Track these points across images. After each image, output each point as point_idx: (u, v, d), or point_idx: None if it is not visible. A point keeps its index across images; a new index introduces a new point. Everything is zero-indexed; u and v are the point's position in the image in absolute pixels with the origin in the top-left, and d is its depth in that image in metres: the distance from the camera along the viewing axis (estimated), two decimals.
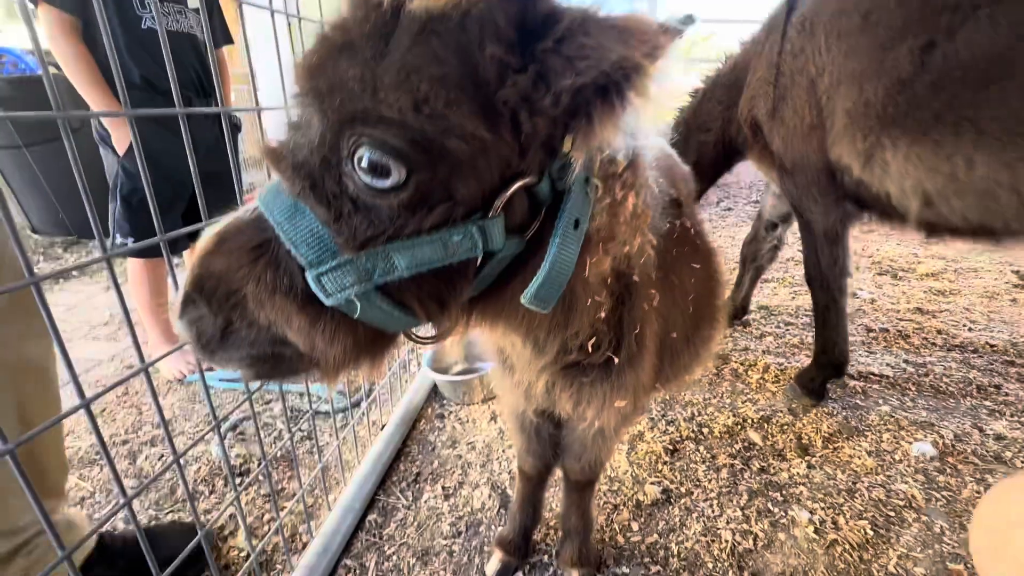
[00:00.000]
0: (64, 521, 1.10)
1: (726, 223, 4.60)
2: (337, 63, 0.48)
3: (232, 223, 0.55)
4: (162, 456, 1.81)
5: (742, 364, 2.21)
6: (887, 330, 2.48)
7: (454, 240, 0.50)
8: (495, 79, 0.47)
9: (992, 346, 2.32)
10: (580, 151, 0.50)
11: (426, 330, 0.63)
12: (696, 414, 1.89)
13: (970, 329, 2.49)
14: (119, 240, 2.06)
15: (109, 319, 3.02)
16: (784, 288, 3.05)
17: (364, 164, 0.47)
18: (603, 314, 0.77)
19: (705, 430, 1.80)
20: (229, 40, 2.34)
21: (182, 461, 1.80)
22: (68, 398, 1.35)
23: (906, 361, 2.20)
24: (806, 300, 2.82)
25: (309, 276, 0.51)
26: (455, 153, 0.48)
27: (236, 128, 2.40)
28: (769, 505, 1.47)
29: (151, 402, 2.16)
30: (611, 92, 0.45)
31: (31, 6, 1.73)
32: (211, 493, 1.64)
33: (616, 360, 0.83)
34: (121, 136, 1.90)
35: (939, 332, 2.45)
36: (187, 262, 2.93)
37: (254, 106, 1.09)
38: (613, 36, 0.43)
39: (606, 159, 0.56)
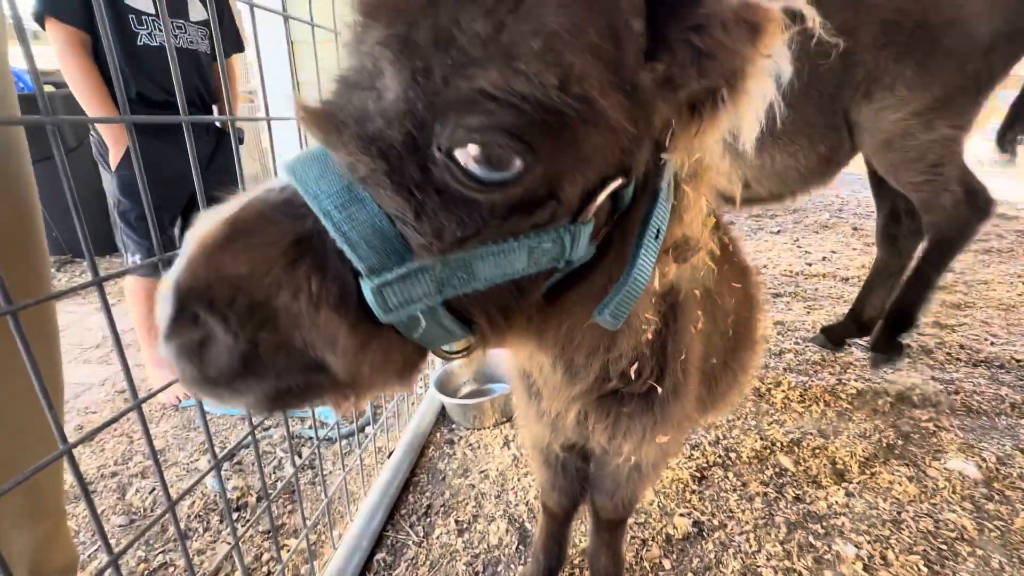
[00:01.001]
0: None
1: (756, 238, 4.57)
2: (445, 6, 0.36)
3: (250, 206, 0.42)
4: (153, 490, 1.69)
5: (764, 383, 2.12)
6: (910, 346, 2.40)
7: (544, 247, 0.42)
8: (633, 61, 0.39)
9: (1018, 360, 2.25)
10: (681, 152, 0.43)
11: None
12: (721, 437, 1.79)
13: (992, 343, 2.42)
14: (131, 259, 1.99)
15: (102, 341, 2.90)
16: (798, 302, 2.98)
17: (477, 152, 0.37)
18: (649, 336, 0.69)
19: (732, 455, 1.70)
20: (239, 48, 2.28)
21: (176, 493, 1.68)
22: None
23: (934, 378, 2.12)
24: (821, 315, 2.76)
25: (367, 286, 0.40)
26: (583, 144, 0.40)
27: (239, 141, 2.36)
28: (811, 539, 1.36)
29: (142, 430, 2.04)
30: (722, 92, 0.39)
31: (35, 26, 1.70)
32: (205, 531, 1.52)
33: (660, 390, 0.75)
34: (115, 151, 1.86)
35: (962, 347, 2.38)
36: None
37: (264, 116, 1.03)
38: (744, 34, 0.36)
39: (696, 162, 0.49)
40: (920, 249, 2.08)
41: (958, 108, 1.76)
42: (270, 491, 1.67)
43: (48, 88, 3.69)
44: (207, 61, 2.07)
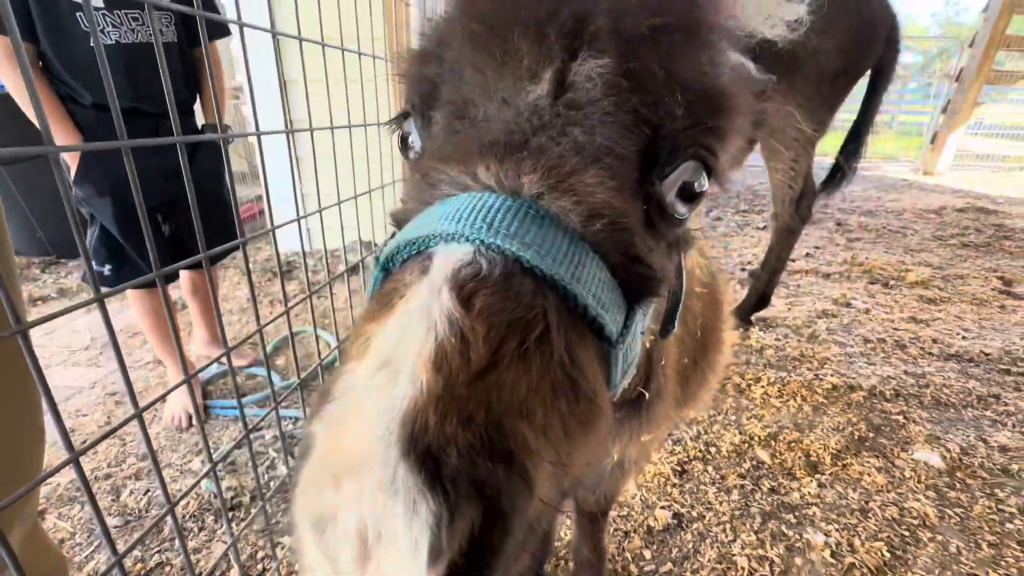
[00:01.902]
0: None
1: (716, 233, 4.64)
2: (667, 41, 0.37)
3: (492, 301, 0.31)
4: (147, 491, 1.71)
5: (744, 379, 2.20)
6: (884, 340, 2.49)
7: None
8: None
9: (987, 355, 2.34)
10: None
11: None
12: (702, 432, 1.86)
13: (964, 338, 2.52)
14: (96, 268, 1.91)
15: (90, 343, 2.90)
16: (778, 299, 3.06)
17: (691, 183, 0.39)
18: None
19: (712, 449, 1.77)
20: (223, 32, 1.97)
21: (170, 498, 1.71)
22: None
23: (906, 372, 2.21)
24: (802, 311, 2.84)
25: (618, 354, 0.36)
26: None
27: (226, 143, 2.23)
28: (783, 528, 1.43)
29: (135, 432, 2.05)
30: None
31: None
32: (200, 530, 1.55)
33: (647, 395, 0.80)
34: (72, 165, 1.69)
35: (934, 341, 2.47)
36: (189, 293, 2.63)
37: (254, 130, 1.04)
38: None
39: None
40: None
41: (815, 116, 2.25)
42: (264, 491, 1.71)
43: None
44: (178, 53, 1.79)
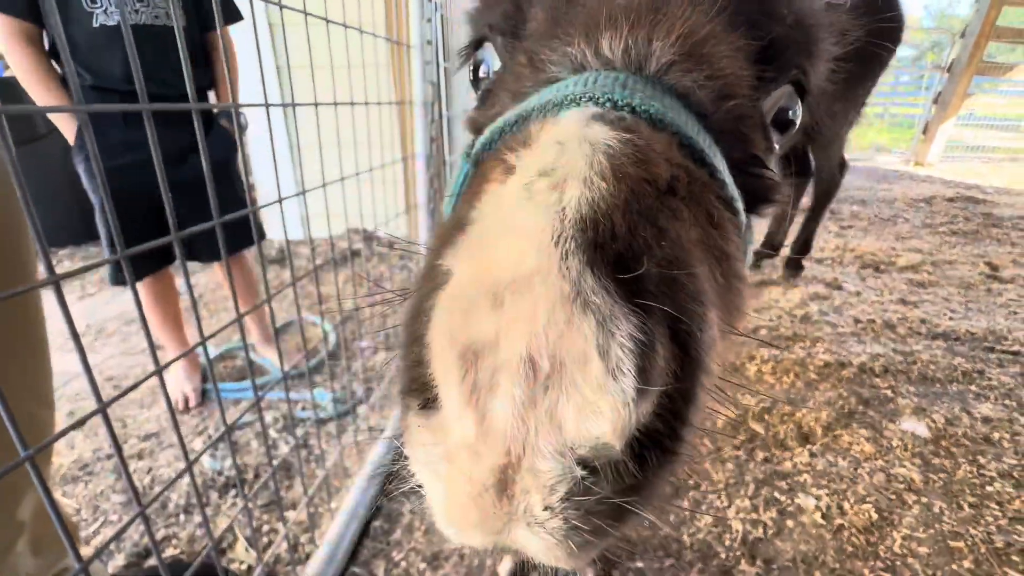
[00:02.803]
0: None
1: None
2: None
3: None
4: (150, 470, 1.73)
5: (739, 357, 2.24)
6: (874, 320, 2.55)
7: None
8: None
9: (972, 334, 2.41)
10: None
11: None
12: None
13: (951, 318, 2.58)
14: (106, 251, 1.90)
15: (86, 329, 2.89)
16: (772, 284, 3.11)
17: (787, 109, 0.44)
18: None
19: (708, 423, 1.81)
20: (236, 16, 1.88)
21: (173, 473, 1.72)
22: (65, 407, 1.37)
23: (895, 350, 2.26)
24: (795, 294, 2.89)
25: (747, 242, 0.40)
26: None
27: (242, 129, 2.03)
28: (776, 494, 1.48)
29: (135, 414, 2.05)
30: None
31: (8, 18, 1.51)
32: (205, 506, 1.57)
33: None
34: (71, 140, 1.69)
35: (922, 321, 2.53)
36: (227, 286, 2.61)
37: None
38: None
39: None
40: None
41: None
42: (267, 468, 1.73)
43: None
44: (186, 38, 1.83)
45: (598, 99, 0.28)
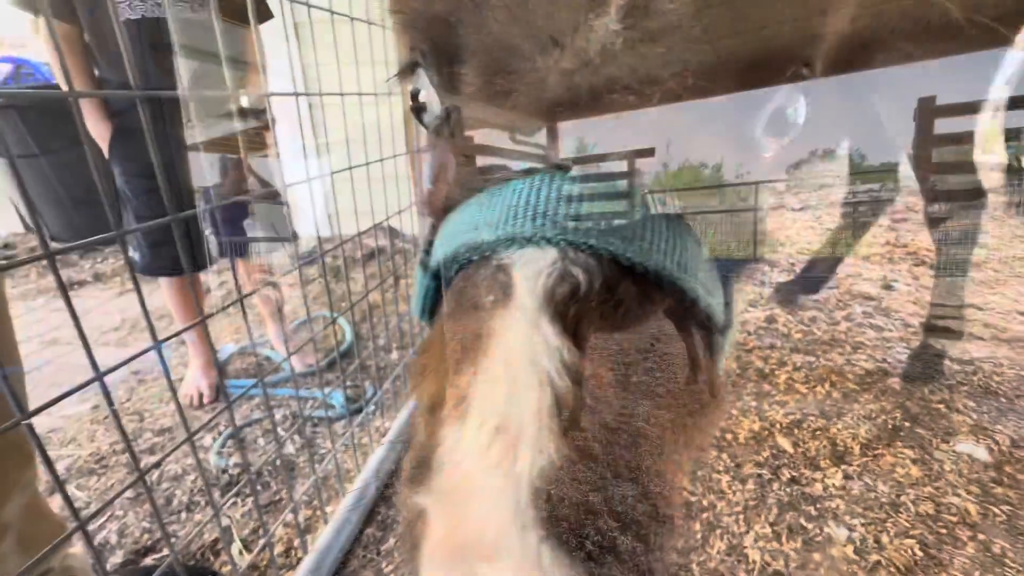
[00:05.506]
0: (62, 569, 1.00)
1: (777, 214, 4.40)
2: None
3: None
4: (159, 464, 1.76)
5: (767, 363, 2.06)
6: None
7: None
8: None
9: None
10: None
11: None
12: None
13: (1021, 323, 2.28)
14: (131, 253, 1.96)
15: (120, 324, 3.03)
16: None
17: None
18: None
19: (729, 436, 1.67)
20: (267, 15, 1.78)
21: (181, 469, 1.75)
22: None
23: (951, 358, 2.01)
24: (833, 294, 2.64)
25: (724, 342, 0.41)
26: None
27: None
28: (802, 520, 1.33)
29: (151, 409, 2.11)
30: None
31: (55, 22, 1.54)
32: (207, 504, 1.58)
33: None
34: (100, 139, 1.73)
35: (986, 326, 2.25)
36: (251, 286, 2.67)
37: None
38: None
39: None
40: None
41: None
42: (270, 468, 1.73)
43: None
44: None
45: (551, 239, 0.28)
